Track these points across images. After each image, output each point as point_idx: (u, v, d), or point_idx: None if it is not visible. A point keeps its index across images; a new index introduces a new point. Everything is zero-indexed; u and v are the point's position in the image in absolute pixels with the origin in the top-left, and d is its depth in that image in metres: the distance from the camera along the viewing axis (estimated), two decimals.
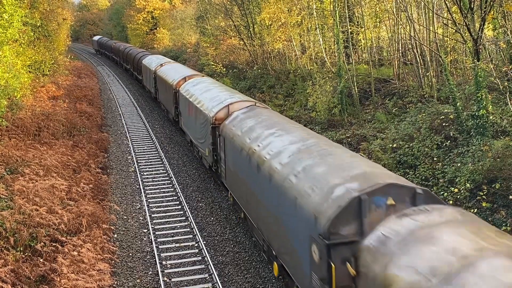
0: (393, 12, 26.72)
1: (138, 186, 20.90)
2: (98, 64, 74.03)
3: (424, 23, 25.50)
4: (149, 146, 27.37)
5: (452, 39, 24.08)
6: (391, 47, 29.81)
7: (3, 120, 21.49)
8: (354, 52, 32.60)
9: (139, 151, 26.47)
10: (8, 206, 14.62)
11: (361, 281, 7.81)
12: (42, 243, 13.31)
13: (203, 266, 14.15)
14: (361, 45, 32.92)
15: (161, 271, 13.78)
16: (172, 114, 29.40)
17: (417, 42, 24.85)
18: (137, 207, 18.75)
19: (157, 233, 16.35)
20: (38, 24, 32.94)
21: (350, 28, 30.34)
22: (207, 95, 21.74)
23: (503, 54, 21.20)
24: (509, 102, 17.43)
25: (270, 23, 36.69)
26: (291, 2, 33.60)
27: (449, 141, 18.17)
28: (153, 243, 15.50)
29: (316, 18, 32.29)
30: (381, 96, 26.63)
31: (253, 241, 15.49)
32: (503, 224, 13.74)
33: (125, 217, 17.78)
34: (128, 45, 68.96)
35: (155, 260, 14.43)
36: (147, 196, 19.77)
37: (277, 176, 11.48)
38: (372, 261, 7.54)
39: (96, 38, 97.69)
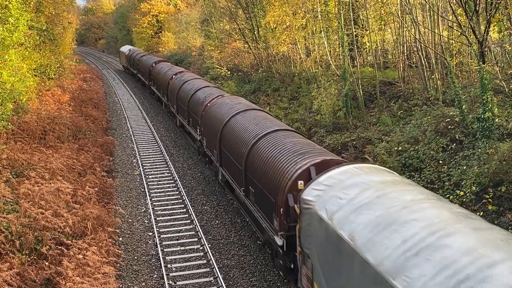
0: (398, 14, 26.65)
1: (143, 189, 20.92)
2: (103, 67, 74.26)
3: (429, 26, 25.40)
4: (154, 149, 27.41)
5: (457, 42, 23.99)
6: (396, 49, 29.73)
7: (9, 123, 21.54)
8: (359, 55, 32.53)
9: (144, 154, 26.51)
10: (14, 209, 14.66)
11: None
12: (48, 246, 13.34)
13: (208, 269, 14.14)
14: (366, 47, 32.84)
15: (166, 274, 13.79)
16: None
17: (422, 44, 24.77)
18: (142, 210, 18.77)
19: (162, 236, 16.36)
20: (44, 28, 33.01)
21: (355, 31, 30.27)
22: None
23: (508, 57, 21.08)
24: None
25: (274, 26, 36.71)
26: (296, 5, 33.60)
27: (454, 144, 18.09)
28: (158, 246, 15.52)
29: (320, 21, 32.28)
30: (386, 99, 26.55)
31: (258, 245, 15.47)
32: (510, 228, 13.66)
33: (130, 220, 17.81)
34: (190, 75, 32.75)
35: (160, 263, 14.45)
36: (152, 199, 19.79)
37: None
38: None
39: (125, 49, 64.51)
